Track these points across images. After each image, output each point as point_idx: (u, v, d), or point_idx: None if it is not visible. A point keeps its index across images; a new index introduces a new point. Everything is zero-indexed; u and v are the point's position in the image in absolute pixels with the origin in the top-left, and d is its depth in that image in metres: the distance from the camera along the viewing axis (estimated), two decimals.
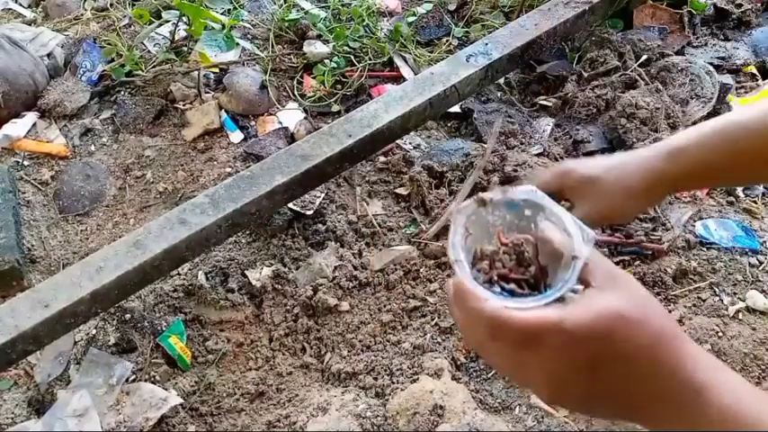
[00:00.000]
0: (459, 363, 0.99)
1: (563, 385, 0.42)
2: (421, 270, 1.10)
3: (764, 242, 1.10)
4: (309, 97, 1.42)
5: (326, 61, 1.43)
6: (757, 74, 1.40)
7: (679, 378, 0.41)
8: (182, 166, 1.32)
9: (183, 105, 1.40)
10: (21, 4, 1.75)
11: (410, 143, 1.32)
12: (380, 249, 1.15)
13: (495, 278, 0.48)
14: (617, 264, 1.08)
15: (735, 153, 0.69)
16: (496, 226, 0.51)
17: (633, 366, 0.41)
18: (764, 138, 0.68)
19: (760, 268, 1.06)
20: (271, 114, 1.41)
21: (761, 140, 0.68)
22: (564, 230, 0.48)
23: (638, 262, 1.08)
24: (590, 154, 1.22)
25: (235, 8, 1.57)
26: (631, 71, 1.34)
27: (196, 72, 1.43)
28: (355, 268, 1.12)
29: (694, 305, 1.03)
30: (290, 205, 1.16)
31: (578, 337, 0.40)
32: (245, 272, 1.13)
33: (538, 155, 1.25)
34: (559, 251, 0.47)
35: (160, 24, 1.48)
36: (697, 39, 1.49)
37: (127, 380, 1.00)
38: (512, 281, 0.47)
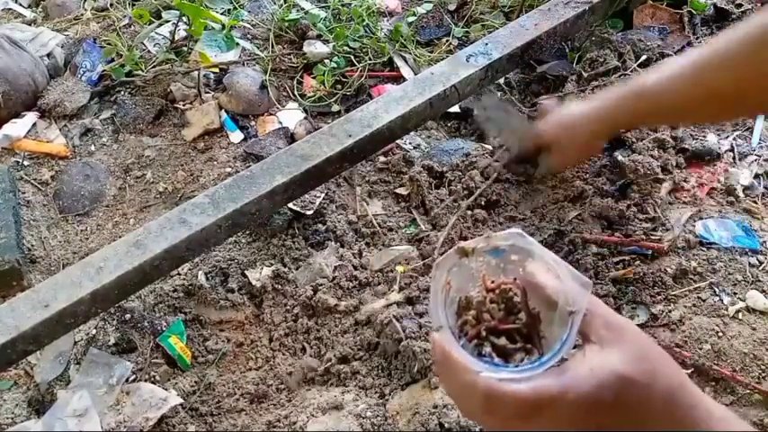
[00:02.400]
0: None
1: None
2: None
3: (764, 242, 1.10)
4: (309, 97, 1.42)
5: (326, 61, 1.43)
6: None
7: None
8: (182, 166, 1.32)
9: (183, 105, 1.41)
10: (21, 4, 1.75)
11: (410, 143, 1.32)
12: (380, 249, 1.15)
13: (484, 334, 0.44)
14: (616, 264, 1.08)
15: (640, 111, 0.93)
16: (481, 271, 0.47)
17: (644, 430, 0.39)
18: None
19: (760, 268, 1.06)
20: (271, 114, 1.41)
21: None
22: (556, 276, 0.44)
23: (638, 262, 1.08)
24: None
25: (235, 8, 1.57)
26: (631, 71, 1.34)
27: (196, 72, 1.43)
28: (355, 268, 1.12)
29: (694, 305, 1.03)
30: (290, 205, 1.16)
31: (582, 409, 0.38)
32: (245, 272, 1.13)
33: None
34: (552, 298, 0.43)
35: (160, 24, 1.48)
36: (697, 39, 1.49)
37: (127, 380, 1.00)
38: (502, 333, 0.44)
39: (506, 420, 0.40)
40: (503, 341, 0.43)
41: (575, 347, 0.41)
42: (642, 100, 0.92)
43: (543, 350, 0.43)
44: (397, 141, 1.29)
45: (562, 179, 1.20)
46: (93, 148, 1.37)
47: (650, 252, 1.09)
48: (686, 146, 1.24)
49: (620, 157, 1.20)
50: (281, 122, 1.38)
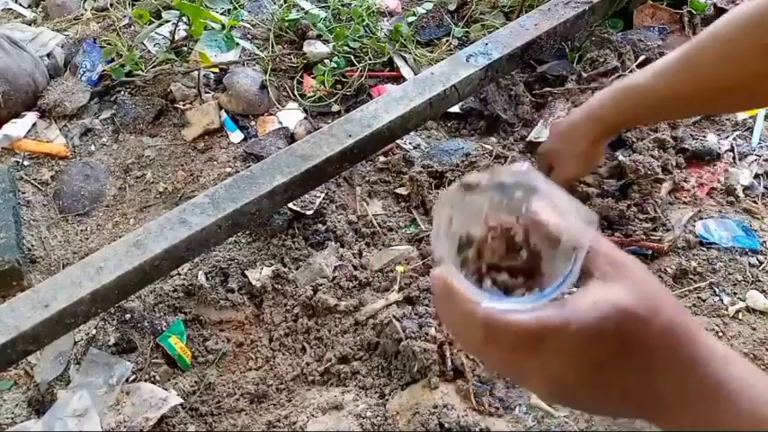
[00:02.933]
0: (459, 362, 0.98)
1: (568, 388, 0.39)
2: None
3: (764, 242, 1.10)
4: (309, 97, 1.42)
5: (326, 61, 1.43)
6: None
7: (696, 374, 0.38)
8: (182, 166, 1.32)
9: (183, 105, 1.41)
10: (21, 4, 1.75)
11: (410, 143, 1.32)
12: (380, 249, 1.15)
13: (485, 270, 0.43)
14: None
15: (635, 109, 0.91)
16: (483, 209, 0.46)
17: (645, 365, 0.38)
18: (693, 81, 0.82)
19: (760, 268, 1.06)
20: (271, 114, 1.41)
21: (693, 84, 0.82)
22: (561, 213, 0.43)
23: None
24: None
25: (235, 8, 1.57)
26: (629, 71, 1.34)
27: (196, 72, 1.43)
28: (355, 268, 1.12)
29: (694, 305, 1.03)
30: (290, 205, 1.16)
31: (584, 340, 0.38)
32: (245, 272, 1.13)
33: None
34: (555, 235, 0.42)
35: (160, 24, 1.48)
36: None
37: (127, 380, 1.00)
38: (503, 269, 0.43)
39: (507, 351, 0.40)
40: (503, 277, 0.43)
41: (577, 285, 0.40)
42: (632, 97, 0.91)
43: (544, 287, 0.42)
44: (397, 141, 1.29)
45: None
46: (93, 148, 1.37)
47: (650, 252, 1.09)
48: (686, 146, 1.24)
49: (620, 157, 1.20)
50: (281, 122, 1.38)
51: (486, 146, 1.28)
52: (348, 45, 1.48)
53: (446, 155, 1.25)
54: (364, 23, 1.52)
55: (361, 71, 1.44)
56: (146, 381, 1.00)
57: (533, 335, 0.38)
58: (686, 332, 0.39)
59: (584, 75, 1.36)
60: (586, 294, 0.39)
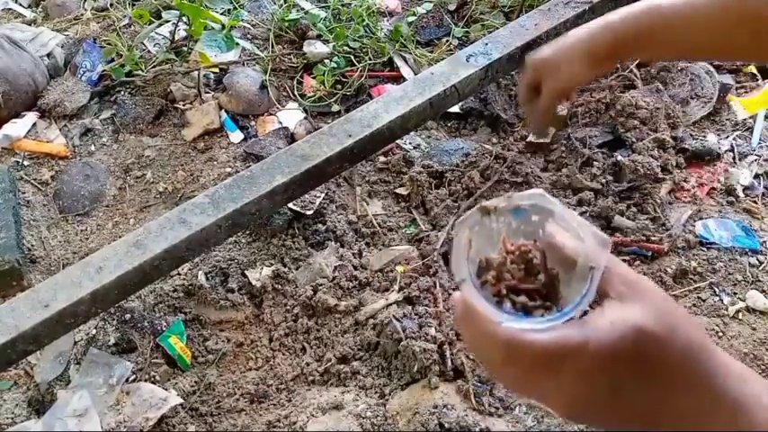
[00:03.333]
0: (459, 362, 0.99)
1: (585, 408, 0.40)
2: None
3: (764, 242, 1.10)
4: (309, 97, 1.42)
5: (326, 61, 1.43)
6: (757, 74, 1.40)
7: (714, 392, 0.39)
8: (182, 166, 1.32)
9: (183, 105, 1.41)
10: (21, 4, 1.75)
11: (410, 143, 1.32)
12: (380, 249, 1.15)
13: (504, 292, 0.44)
14: None
15: (655, 34, 0.84)
16: (501, 233, 0.47)
17: (663, 384, 0.39)
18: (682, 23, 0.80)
19: (760, 268, 1.07)
20: (271, 114, 1.41)
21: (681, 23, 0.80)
22: (576, 236, 0.44)
23: (638, 262, 1.08)
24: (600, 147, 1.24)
25: (235, 8, 1.57)
26: (628, 72, 1.34)
27: (196, 72, 1.43)
28: (355, 268, 1.12)
29: (694, 305, 1.03)
30: (290, 205, 1.16)
31: (603, 360, 0.38)
32: (245, 272, 1.13)
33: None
34: (571, 258, 0.43)
35: (160, 24, 1.48)
36: None
37: (127, 380, 1.00)
38: (522, 292, 0.44)
39: (526, 371, 0.40)
40: (522, 299, 0.44)
41: (592, 306, 0.41)
42: (653, 16, 0.83)
43: (562, 308, 0.44)
44: (397, 141, 1.29)
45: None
46: (93, 148, 1.37)
47: (650, 253, 1.09)
48: (686, 146, 1.24)
49: (619, 158, 1.20)
50: (281, 122, 1.38)
51: (486, 146, 1.28)
52: (348, 45, 1.48)
53: (446, 155, 1.25)
54: (364, 23, 1.52)
55: (361, 71, 1.44)
56: (146, 381, 1.00)
57: (552, 354, 0.39)
58: (703, 351, 0.40)
59: None
60: (603, 315, 0.40)
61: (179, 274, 1.12)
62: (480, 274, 0.46)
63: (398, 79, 1.43)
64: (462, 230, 0.46)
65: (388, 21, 1.59)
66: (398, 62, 1.48)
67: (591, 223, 0.45)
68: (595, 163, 1.21)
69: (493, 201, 0.47)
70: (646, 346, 0.38)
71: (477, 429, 0.89)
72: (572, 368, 0.38)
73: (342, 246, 1.16)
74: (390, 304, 1.05)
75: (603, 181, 1.19)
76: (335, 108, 1.39)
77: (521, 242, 0.46)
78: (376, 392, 0.98)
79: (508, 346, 0.40)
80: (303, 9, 1.57)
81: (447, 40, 1.52)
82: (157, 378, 1.01)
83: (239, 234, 1.17)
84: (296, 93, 1.44)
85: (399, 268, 1.10)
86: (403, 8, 1.65)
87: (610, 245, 0.42)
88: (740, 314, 1.01)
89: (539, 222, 0.47)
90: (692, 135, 1.26)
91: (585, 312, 0.41)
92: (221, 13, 1.48)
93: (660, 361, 0.38)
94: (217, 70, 1.46)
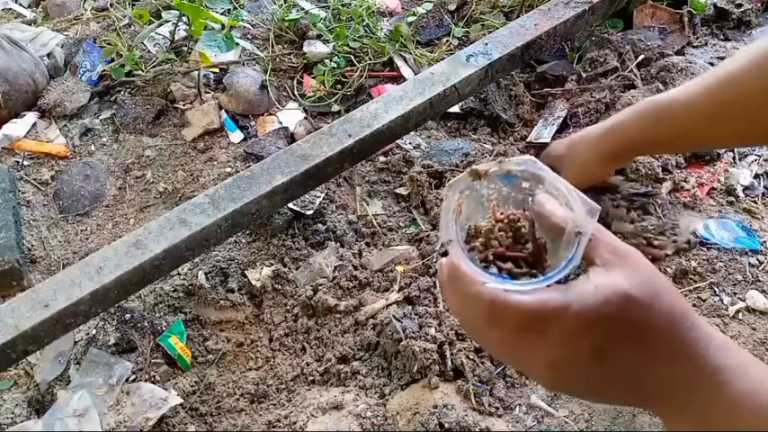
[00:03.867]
0: (459, 362, 0.98)
1: (568, 373, 0.40)
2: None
3: (764, 242, 1.10)
4: (309, 97, 1.42)
5: (326, 61, 1.43)
6: None
7: (695, 358, 0.39)
8: (182, 166, 1.32)
9: (183, 105, 1.41)
10: (21, 4, 1.75)
11: (410, 143, 1.32)
12: (380, 249, 1.15)
13: (491, 258, 0.44)
14: None
15: (661, 131, 0.86)
16: (491, 200, 0.47)
17: (644, 351, 0.39)
18: (684, 118, 0.81)
19: (760, 268, 1.06)
20: (271, 114, 1.41)
21: (683, 119, 0.82)
22: (565, 203, 0.44)
23: None
24: None
25: (235, 8, 1.57)
26: (628, 72, 1.34)
27: (196, 72, 1.43)
28: (355, 268, 1.12)
29: (694, 305, 1.03)
30: (290, 205, 1.16)
31: (585, 323, 0.38)
32: (245, 272, 1.13)
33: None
34: (560, 225, 0.43)
35: (160, 24, 1.48)
36: (697, 39, 1.49)
37: (127, 380, 1.00)
38: (509, 259, 0.44)
39: (509, 332, 0.40)
40: (508, 265, 0.44)
41: (578, 273, 0.41)
42: (660, 113, 0.83)
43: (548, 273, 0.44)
44: (397, 141, 1.29)
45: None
46: (93, 148, 1.37)
47: (649, 257, 1.09)
48: None
49: None
50: (281, 122, 1.38)
51: (486, 146, 1.28)
52: (348, 45, 1.48)
53: (446, 155, 1.25)
54: (364, 23, 1.52)
55: (361, 71, 1.44)
56: (146, 381, 1.00)
57: (536, 316, 0.39)
58: (686, 319, 0.40)
59: (584, 75, 1.36)
60: (588, 280, 0.40)
61: (179, 274, 1.12)
62: (469, 241, 0.46)
63: (398, 79, 1.43)
64: (453, 194, 0.46)
65: (388, 21, 1.59)
66: (398, 62, 1.48)
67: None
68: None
69: (483, 165, 0.47)
70: (629, 311, 0.38)
71: (477, 429, 0.89)
72: (555, 330, 0.38)
73: (342, 246, 1.16)
74: (390, 304, 1.05)
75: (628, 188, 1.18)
76: (335, 108, 1.39)
77: (510, 211, 0.46)
78: (376, 392, 0.98)
79: (492, 306, 0.39)
80: (303, 9, 1.57)
81: (447, 40, 1.52)
82: (157, 378, 1.01)
83: (239, 234, 1.17)
84: (296, 93, 1.44)
85: (399, 268, 1.10)
86: (403, 8, 1.65)
87: (598, 212, 0.42)
88: (740, 314, 1.01)
89: (529, 189, 0.47)
90: None
91: (574, 278, 0.41)
92: (221, 13, 1.48)
93: (643, 326, 0.39)
94: (217, 70, 1.46)
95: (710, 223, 1.12)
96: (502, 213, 0.46)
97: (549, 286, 0.40)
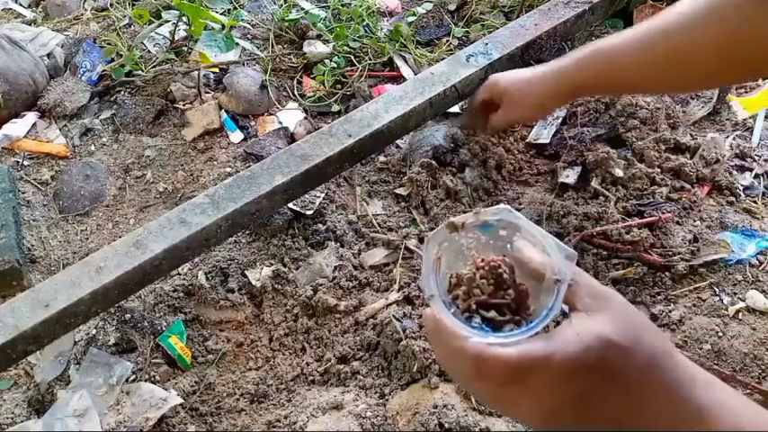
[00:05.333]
0: None
1: (555, 419, 0.40)
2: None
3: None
4: (309, 97, 1.42)
5: (326, 61, 1.43)
6: None
7: (679, 399, 0.39)
8: (182, 166, 1.32)
9: (183, 105, 1.41)
10: (21, 4, 1.75)
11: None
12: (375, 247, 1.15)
13: (474, 307, 0.45)
14: (616, 265, 1.08)
15: (602, 73, 0.92)
16: (471, 248, 0.48)
17: (628, 394, 0.39)
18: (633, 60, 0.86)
19: (760, 268, 1.06)
20: (271, 114, 1.41)
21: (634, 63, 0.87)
22: (543, 250, 0.45)
23: (637, 262, 1.08)
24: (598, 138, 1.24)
25: (235, 8, 1.57)
26: None
27: (196, 72, 1.43)
28: (355, 268, 1.12)
29: (694, 305, 1.03)
30: (290, 205, 1.16)
31: (568, 371, 0.39)
32: (245, 272, 1.13)
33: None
34: (539, 271, 0.45)
35: (160, 24, 1.48)
36: None
37: (127, 380, 1.00)
38: (492, 307, 0.45)
39: (496, 385, 0.41)
40: (492, 314, 0.44)
41: (559, 321, 0.42)
42: (601, 56, 0.91)
43: (531, 322, 0.45)
44: (397, 141, 1.29)
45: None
46: (93, 148, 1.37)
47: (646, 267, 1.08)
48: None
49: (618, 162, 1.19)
50: (281, 122, 1.38)
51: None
52: (348, 45, 1.48)
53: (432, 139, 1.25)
54: (364, 23, 1.52)
55: (361, 71, 1.44)
56: (146, 381, 1.00)
57: (520, 367, 0.39)
58: (667, 359, 0.41)
59: None
60: (570, 326, 0.41)
61: (179, 274, 1.12)
62: (452, 290, 0.47)
63: (398, 79, 1.43)
64: (432, 247, 0.47)
65: (388, 21, 1.59)
66: (398, 62, 1.48)
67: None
68: None
69: (460, 217, 0.48)
70: (611, 357, 0.39)
71: (477, 429, 0.89)
72: (540, 380, 0.39)
73: (342, 246, 1.16)
74: (390, 304, 1.05)
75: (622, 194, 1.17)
76: (335, 108, 1.39)
77: (490, 258, 0.47)
78: (376, 392, 0.98)
79: (477, 361, 0.40)
80: (303, 9, 1.57)
81: (447, 40, 1.52)
82: (157, 378, 1.01)
83: (239, 234, 1.17)
84: (296, 93, 1.44)
85: (399, 268, 1.10)
86: (403, 8, 1.65)
87: (575, 258, 0.43)
88: (740, 314, 1.01)
89: (506, 236, 0.48)
90: (691, 135, 1.26)
91: (556, 324, 0.42)
92: (221, 13, 1.48)
93: (625, 370, 0.39)
94: (217, 70, 1.46)
95: (732, 236, 1.09)
96: (482, 260, 0.47)
97: (531, 336, 0.41)
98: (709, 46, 0.76)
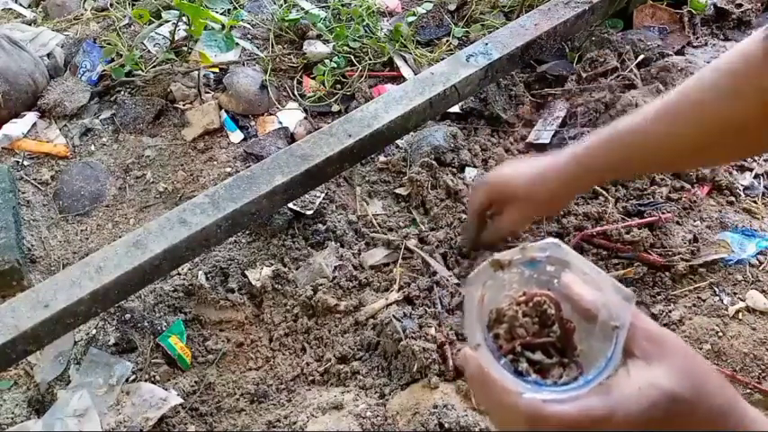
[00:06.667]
0: (459, 362, 0.98)
1: None
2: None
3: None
4: (309, 97, 1.42)
5: (326, 61, 1.43)
6: None
7: None
8: (182, 166, 1.32)
9: (183, 105, 1.41)
10: (21, 4, 1.75)
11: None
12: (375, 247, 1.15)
13: (519, 349, 0.42)
14: (616, 265, 1.08)
15: (630, 156, 0.81)
16: (513, 283, 0.45)
17: None
18: (652, 143, 0.77)
19: (760, 268, 1.06)
20: (271, 114, 1.41)
21: (649, 144, 0.78)
22: (596, 287, 0.42)
23: (637, 262, 1.08)
24: None
25: (235, 8, 1.57)
26: (627, 71, 1.33)
27: (196, 72, 1.43)
28: (355, 268, 1.12)
29: (694, 305, 1.03)
30: (290, 205, 1.16)
31: (631, 428, 0.37)
32: (245, 272, 1.13)
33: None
34: (590, 310, 0.42)
35: (160, 24, 1.48)
36: (697, 39, 1.49)
37: (127, 380, 1.00)
38: (537, 347, 0.42)
39: None
40: (538, 356, 0.42)
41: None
42: (627, 141, 0.80)
43: (581, 363, 0.42)
44: (397, 141, 1.29)
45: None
46: (93, 148, 1.37)
47: (646, 267, 1.08)
48: None
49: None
50: (281, 122, 1.38)
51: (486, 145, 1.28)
52: (348, 45, 1.48)
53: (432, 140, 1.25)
54: (364, 23, 1.52)
55: (361, 71, 1.44)
56: (146, 381, 1.00)
57: (578, 426, 0.37)
58: (733, 409, 0.39)
59: (584, 75, 1.36)
60: (630, 379, 0.39)
61: (179, 274, 1.12)
62: (492, 326, 0.44)
63: (398, 79, 1.43)
64: (475, 289, 0.44)
65: (388, 21, 1.59)
66: (398, 62, 1.48)
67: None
68: None
69: (506, 253, 0.44)
70: (676, 411, 0.37)
71: (477, 429, 0.89)
72: None
73: (342, 246, 1.16)
74: (390, 304, 1.05)
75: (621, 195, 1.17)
76: (335, 108, 1.39)
77: (533, 292, 0.44)
78: (376, 392, 0.98)
79: (531, 420, 0.38)
80: (303, 9, 1.57)
81: (447, 40, 1.52)
82: (157, 378, 1.01)
83: (239, 234, 1.17)
84: (296, 93, 1.44)
85: (399, 268, 1.10)
86: (403, 8, 1.65)
87: (633, 300, 0.40)
88: (740, 314, 1.00)
89: (554, 272, 0.45)
90: None
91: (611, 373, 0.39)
92: (221, 13, 1.48)
93: (689, 426, 0.38)
94: (217, 70, 1.46)
95: (733, 236, 1.09)
96: (524, 295, 0.44)
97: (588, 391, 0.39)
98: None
